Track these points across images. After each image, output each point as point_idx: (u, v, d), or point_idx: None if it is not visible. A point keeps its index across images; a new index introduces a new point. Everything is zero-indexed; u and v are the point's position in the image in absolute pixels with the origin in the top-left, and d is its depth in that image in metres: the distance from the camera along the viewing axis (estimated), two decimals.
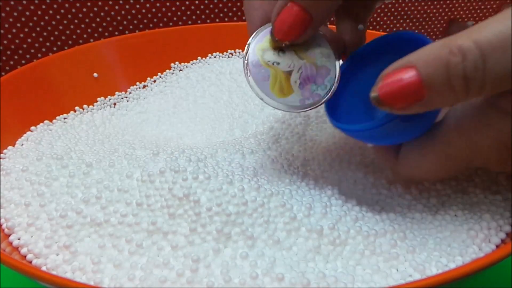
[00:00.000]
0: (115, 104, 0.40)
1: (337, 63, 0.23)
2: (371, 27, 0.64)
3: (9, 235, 0.23)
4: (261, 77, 0.23)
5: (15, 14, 0.47)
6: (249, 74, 0.23)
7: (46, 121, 0.35)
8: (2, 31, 0.47)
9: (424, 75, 0.17)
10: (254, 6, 0.23)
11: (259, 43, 0.23)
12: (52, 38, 0.49)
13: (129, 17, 0.51)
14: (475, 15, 0.64)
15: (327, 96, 0.23)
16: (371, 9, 0.26)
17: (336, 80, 0.23)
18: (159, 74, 0.44)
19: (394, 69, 0.18)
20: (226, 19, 0.55)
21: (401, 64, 0.18)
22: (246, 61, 0.23)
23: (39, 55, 0.50)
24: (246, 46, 0.23)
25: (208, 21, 0.54)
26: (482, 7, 0.65)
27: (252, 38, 0.23)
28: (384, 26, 0.64)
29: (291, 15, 0.21)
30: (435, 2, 0.63)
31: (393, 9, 0.63)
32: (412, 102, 0.18)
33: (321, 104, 0.23)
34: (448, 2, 0.64)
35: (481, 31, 0.16)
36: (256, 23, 0.23)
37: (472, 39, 0.16)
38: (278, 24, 0.21)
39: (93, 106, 0.39)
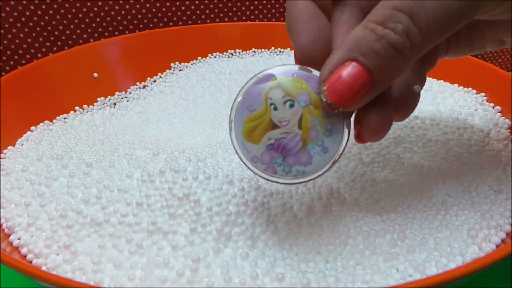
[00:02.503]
0: (115, 104, 0.40)
1: (326, 165, 0.19)
2: None
3: (9, 235, 0.23)
4: (249, 103, 0.19)
5: (15, 14, 0.47)
6: (245, 88, 0.19)
7: (46, 121, 0.35)
8: (2, 31, 0.47)
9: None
10: (303, 17, 0.19)
11: (281, 76, 0.19)
12: (52, 38, 0.49)
13: (129, 17, 0.51)
14: None
15: (278, 180, 0.19)
16: (431, 65, 0.22)
17: (305, 179, 0.19)
18: (159, 74, 0.44)
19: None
20: (226, 19, 0.55)
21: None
22: (254, 78, 0.19)
23: (39, 55, 0.50)
24: (272, 67, 0.19)
25: (208, 21, 0.54)
26: None
27: (281, 66, 0.19)
28: None
29: (350, 75, 0.17)
30: None
31: None
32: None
33: (263, 178, 0.19)
34: None
35: None
36: (306, 39, 0.19)
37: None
38: (334, 84, 0.17)
39: (93, 106, 0.39)
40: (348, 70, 0.17)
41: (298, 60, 0.20)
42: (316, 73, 0.19)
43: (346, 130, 0.19)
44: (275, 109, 0.19)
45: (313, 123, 0.19)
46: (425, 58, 0.19)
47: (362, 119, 0.19)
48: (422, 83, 0.22)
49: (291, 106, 0.19)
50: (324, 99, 0.18)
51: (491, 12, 0.18)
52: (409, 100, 0.21)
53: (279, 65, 0.19)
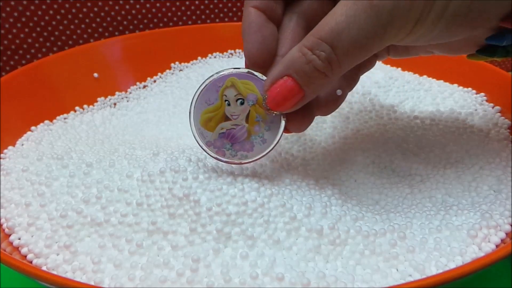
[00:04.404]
0: (115, 104, 0.40)
1: (263, 152, 0.23)
2: None
3: (10, 235, 0.23)
4: (207, 98, 0.23)
5: (15, 14, 0.47)
6: (205, 84, 0.23)
7: (46, 121, 0.35)
8: (2, 31, 0.47)
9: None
10: (252, 28, 0.23)
11: (235, 78, 0.23)
12: (52, 38, 0.50)
13: (129, 17, 0.51)
14: None
15: (225, 160, 0.24)
16: (367, 68, 0.26)
17: (246, 161, 0.24)
18: (159, 74, 0.44)
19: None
20: (226, 19, 0.55)
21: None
22: (214, 76, 0.23)
23: (39, 55, 0.50)
24: (229, 69, 0.23)
25: (208, 21, 0.54)
26: None
27: (235, 69, 0.23)
28: None
29: (286, 88, 0.21)
30: None
31: None
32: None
33: (214, 158, 0.24)
34: None
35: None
36: (253, 48, 0.23)
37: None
38: (273, 94, 0.22)
39: (93, 106, 0.39)
40: (285, 84, 0.21)
41: (246, 65, 0.23)
42: (260, 76, 0.23)
43: (282, 126, 0.23)
44: (229, 104, 0.23)
45: (257, 119, 0.23)
46: (359, 64, 0.22)
47: (288, 116, 0.23)
48: (351, 85, 0.26)
49: (242, 103, 0.23)
50: (265, 105, 0.22)
51: (402, 42, 0.21)
52: (331, 101, 0.24)
53: (234, 67, 0.23)
